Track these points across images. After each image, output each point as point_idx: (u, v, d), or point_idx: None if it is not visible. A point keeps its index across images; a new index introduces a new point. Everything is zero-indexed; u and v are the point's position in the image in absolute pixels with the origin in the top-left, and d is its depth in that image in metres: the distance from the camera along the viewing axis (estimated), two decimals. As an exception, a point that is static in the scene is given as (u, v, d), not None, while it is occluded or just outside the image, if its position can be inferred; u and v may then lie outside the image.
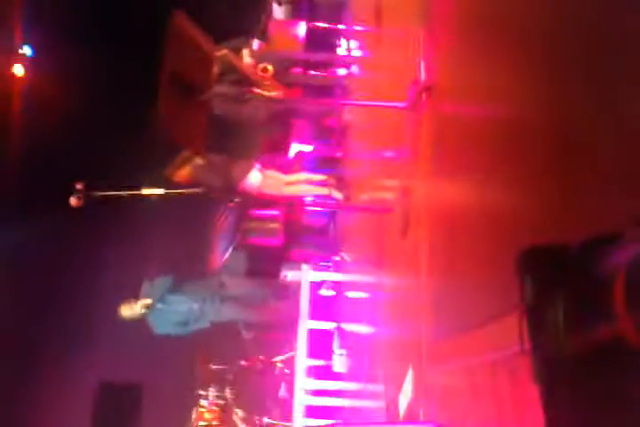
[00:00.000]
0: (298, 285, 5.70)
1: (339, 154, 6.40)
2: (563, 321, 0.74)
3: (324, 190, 5.80)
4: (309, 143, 6.79)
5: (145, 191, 3.07)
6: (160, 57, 2.59)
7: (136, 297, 5.86)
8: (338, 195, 5.82)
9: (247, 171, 5.49)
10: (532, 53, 1.58)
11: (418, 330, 2.47)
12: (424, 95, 2.67)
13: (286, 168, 6.70)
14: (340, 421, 4.53)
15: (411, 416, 2.41)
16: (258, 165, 5.63)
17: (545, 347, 0.77)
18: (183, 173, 5.31)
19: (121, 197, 3.12)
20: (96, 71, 7.80)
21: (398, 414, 2.66)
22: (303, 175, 6.14)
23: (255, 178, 5.54)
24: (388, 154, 3.66)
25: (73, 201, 3.11)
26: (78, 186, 3.04)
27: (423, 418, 2.20)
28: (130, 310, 5.85)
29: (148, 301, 5.84)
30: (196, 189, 3.19)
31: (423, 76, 2.74)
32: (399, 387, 2.72)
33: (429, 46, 2.76)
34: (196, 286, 6.04)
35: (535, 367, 0.82)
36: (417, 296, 2.57)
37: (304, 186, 5.94)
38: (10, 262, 7.78)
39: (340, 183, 5.93)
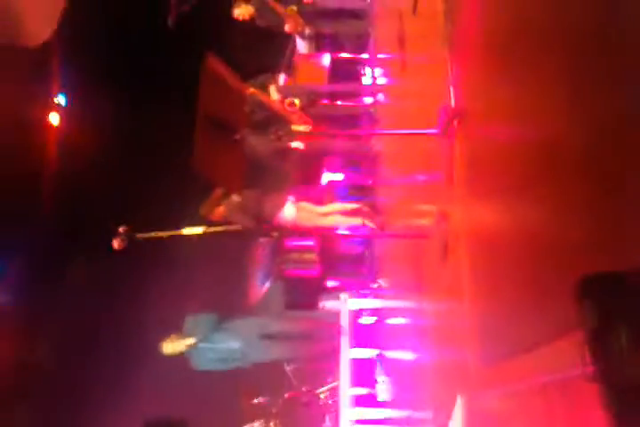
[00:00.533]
0: (337, 315, 5.70)
1: (370, 182, 6.43)
2: (627, 347, 0.74)
3: (357, 220, 5.83)
4: (340, 172, 6.84)
5: (185, 231, 3.13)
6: (193, 100, 2.66)
7: (179, 332, 5.88)
8: (371, 224, 5.84)
9: (281, 205, 5.56)
10: (559, 71, 1.60)
11: (464, 356, 2.45)
12: (455, 120, 2.69)
13: (319, 198, 6.76)
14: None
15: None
16: (291, 198, 5.69)
17: (611, 373, 0.77)
18: (218, 212, 5.44)
19: (162, 238, 3.18)
20: (129, 117, 8.02)
21: (450, 442, 2.62)
22: (336, 205, 6.18)
23: (289, 211, 5.60)
24: (422, 179, 3.68)
25: (116, 244, 3.19)
26: (121, 229, 3.11)
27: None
28: (172, 347, 5.87)
29: (192, 340, 5.84)
30: (233, 227, 3.23)
31: (453, 101, 2.77)
32: (448, 413, 2.68)
33: (457, 71, 2.79)
34: (238, 325, 6.03)
35: (604, 394, 0.82)
36: (461, 321, 2.56)
37: (338, 217, 5.98)
38: (55, 305, 7.92)
39: (373, 211, 5.96)
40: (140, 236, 3.11)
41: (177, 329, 5.99)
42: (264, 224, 5.39)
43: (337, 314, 5.73)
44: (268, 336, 5.98)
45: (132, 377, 7.36)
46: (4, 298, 7.63)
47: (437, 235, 2.97)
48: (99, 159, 7.63)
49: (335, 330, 5.59)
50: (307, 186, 6.64)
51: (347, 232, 6.83)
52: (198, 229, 3.09)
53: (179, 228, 3.08)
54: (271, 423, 5.44)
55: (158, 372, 6.46)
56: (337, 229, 6.02)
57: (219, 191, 5.73)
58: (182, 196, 6.12)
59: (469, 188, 2.54)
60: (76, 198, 7.64)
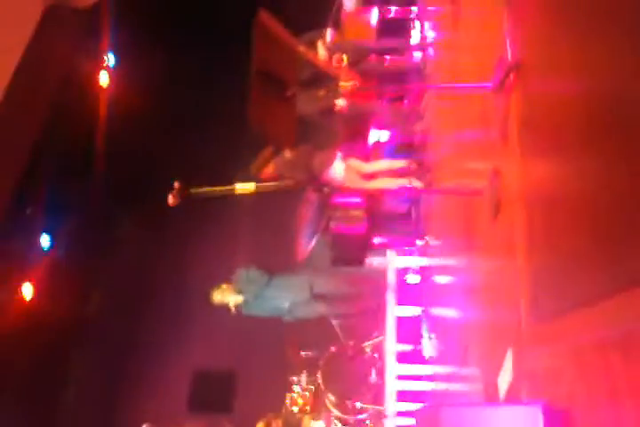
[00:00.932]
0: (383, 273, 5.74)
1: (419, 139, 6.35)
2: None
3: (404, 181, 5.81)
4: (388, 130, 6.77)
5: (238, 187, 3.16)
6: (245, 57, 2.65)
7: (229, 282, 5.98)
8: (418, 184, 5.81)
9: (330, 161, 5.55)
10: (622, 22, 1.54)
11: (516, 312, 2.45)
12: (512, 74, 2.63)
13: (366, 156, 6.73)
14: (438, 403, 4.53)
15: (512, 399, 2.40)
16: (340, 154, 5.67)
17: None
18: (268, 171, 5.50)
19: (215, 193, 3.22)
20: (179, 75, 8.07)
21: (498, 397, 2.65)
22: (384, 163, 6.15)
23: (338, 169, 5.60)
24: (474, 136, 3.62)
25: (170, 199, 3.24)
26: (176, 185, 3.16)
27: (527, 400, 2.20)
28: (221, 297, 5.97)
29: (241, 298, 5.93)
30: (284, 183, 3.25)
31: (509, 54, 2.70)
32: (497, 370, 2.71)
33: (514, 22, 2.71)
34: (287, 282, 6.11)
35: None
36: (513, 278, 2.55)
37: (385, 180, 5.99)
38: (109, 258, 8.16)
39: (422, 168, 5.91)
40: (194, 191, 3.15)
41: (227, 280, 6.09)
42: (314, 180, 5.40)
43: (383, 271, 5.77)
44: (316, 295, 6.05)
45: (183, 327, 7.59)
46: (60, 250, 7.87)
47: (490, 192, 2.95)
48: (150, 117, 7.73)
49: (381, 287, 5.64)
50: (354, 144, 6.59)
51: (396, 191, 6.81)
52: (250, 185, 3.12)
53: (231, 183, 3.12)
54: (317, 375, 5.56)
55: (208, 323, 6.62)
56: (383, 191, 6.02)
57: (268, 150, 5.76)
58: (235, 152, 6.17)
59: (525, 144, 2.50)
60: (131, 155, 7.77)
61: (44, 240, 7.74)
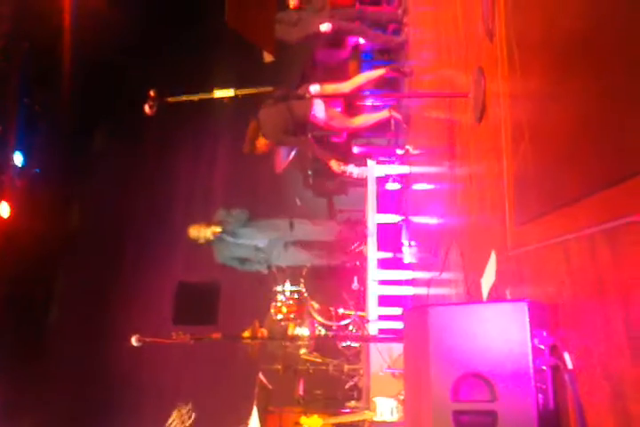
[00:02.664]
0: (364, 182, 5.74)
1: (399, 44, 6.17)
2: None
3: (384, 114, 5.77)
4: (367, 36, 6.55)
5: (217, 94, 3.05)
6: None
7: (208, 221, 5.91)
8: (398, 115, 5.76)
9: (309, 105, 5.47)
10: None
11: (500, 215, 2.46)
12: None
13: (343, 63, 6.56)
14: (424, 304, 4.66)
15: (496, 297, 2.46)
16: (316, 86, 5.52)
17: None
18: (261, 144, 5.50)
19: (193, 101, 3.11)
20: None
21: (481, 297, 2.71)
22: (363, 75, 6.01)
23: (319, 109, 5.52)
24: (457, 36, 3.51)
25: (147, 109, 3.13)
26: (151, 93, 3.04)
27: (511, 297, 2.24)
28: (197, 233, 5.91)
29: (218, 229, 5.87)
30: (268, 89, 3.15)
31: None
32: (480, 272, 2.75)
33: None
34: (268, 224, 6.05)
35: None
36: (497, 182, 2.54)
37: (366, 116, 5.95)
38: (86, 171, 8.04)
39: (402, 73, 5.78)
40: (171, 99, 3.04)
41: (206, 212, 6.02)
42: (304, 128, 5.40)
43: (364, 180, 5.77)
44: (295, 242, 5.99)
45: (165, 240, 7.61)
46: (34, 168, 7.74)
47: (474, 94, 2.89)
48: (122, 24, 7.39)
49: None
50: (331, 50, 6.40)
51: (372, 100, 6.70)
52: (230, 92, 3.01)
53: (210, 91, 3.01)
54: (301, 284, 5.66)
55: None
56: (367, 127, 5.97)
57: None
58: (212, 58, 5.97)
59: (512, 40, 2.41)
60: (104, 63, 7.48)
61: (17, 158, 7.59)
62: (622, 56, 1.47)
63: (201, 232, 5.88)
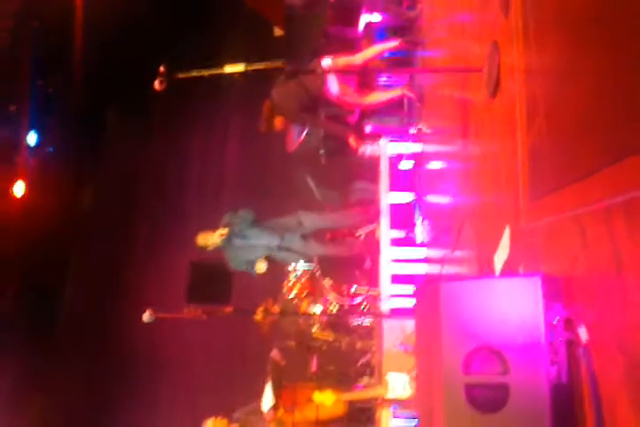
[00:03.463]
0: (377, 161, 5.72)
1: (413, 20, 6.10)
2: None
3: (397, 92, 5.71)
4: (379, 12, 6.49)
5: (227, 69, 3.03)
6: None
7: (215, 228, 5.85)
8: (411, 94, 5.71)
9: (323, 80, 5.41)
10: None
11: (514, 192, 2.45)
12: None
13: (356, 42, 6.49)
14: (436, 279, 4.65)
15: (509, 273, 2.45)
16: (328, 60, 5.44)
17: None
18: (278, 122, 5.43)
19: (203, 77, 3.09)
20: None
21: (494, 274, 2.70)
22: (375, 48, 5.94)
23: (333, 83, 5.45)
24: (472, 10, 3.46)
25: (157, 85, 3.11)
26: (161, 69, 3.02)
27: (524, 272, 2.24)
28: (205, 240, 5.85)
29: (225, 231, 5.81)
30: (278, 63, 3.11)
31: None
32: (493, 249, 2.75)
33: None
34: (276, 223, 6.00)
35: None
36: (511, 158, 2.52)
37: (379, 93, 5.89)
38: (99, 151, 8.06)
39: (413, 45, 5.72)
40: (180, 75, 3.02)
41: (215, 220, 5.96)
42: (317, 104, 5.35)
43: (376, 159, 5.75)
44: (307, 235, 5.95)
45: (180, 217, 7.63)
46: (48, 146, 7.77)
47: (488, 68, 2.85)
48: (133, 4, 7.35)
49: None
50: (344, 28, 6.34)
51: (385, 78, 6.64)
52: (240, 67, 2.99)
53: (221, 66, 2.99)
54: (314, 262, 5.66)
55: (204, 214, 6.57)
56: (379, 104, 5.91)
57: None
58: (222, 33, 5.93)
59: (527, 14, 2.38)
60: (115, 41, 7.46)
61: (31, 138, 7.63)
62: (637, 30, 1.45)
63: (208, 239, 5.82)
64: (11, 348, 7.09)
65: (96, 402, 7.40)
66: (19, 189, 7.23)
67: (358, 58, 5.74)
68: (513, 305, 1.81)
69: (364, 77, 5.92)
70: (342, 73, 5.53)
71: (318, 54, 5.59)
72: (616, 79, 1.56)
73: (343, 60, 5.58)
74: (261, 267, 5.71)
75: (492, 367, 1.76)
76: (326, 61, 5.41)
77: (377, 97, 5.87)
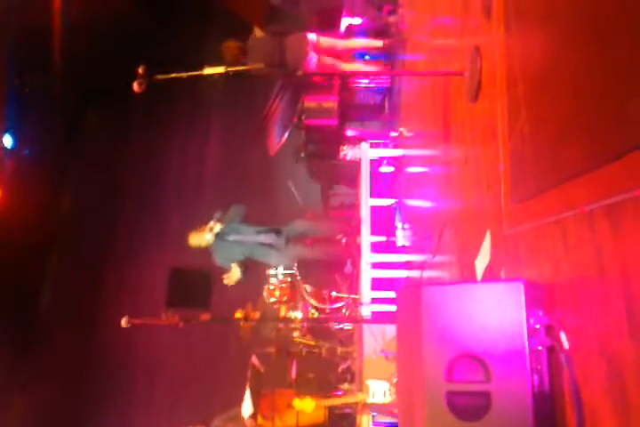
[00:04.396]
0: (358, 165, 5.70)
1: (393, 23, 6.11)
2: None
3: (377, 43, 5.68)
4: (359, 16, 6.48)
5: (207, 71, 2.99)
6: None
7: (200, 228, 5.79)
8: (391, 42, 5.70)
9: (303, 48, 5.31)
10: None
11: (495, 196, 2.43)
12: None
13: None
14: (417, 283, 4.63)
15: (490, 278, 2.43)
16: (312, 35, 5.41)
17: None
18: (234, 54, 5.26)
19: (182, 78, 3.05)
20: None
21: (475, 278, 2.68)
22: (359, 42, 5.93)
23: (313, 59, 5.39)
24: (454, 14, 3.45)
25: (135, 86, 3.06)
26: (140, 71, 2.98)
27: (505, 278, 2.21)
28: (198, 240, 5.79)
29: (217, 225, 5.75)
30: (258, 66, 3.08)
31: None
32: (474, 253, 2.73)
33: None
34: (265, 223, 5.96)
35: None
36: (493, 163, 2.51)
37: (358, 64, 5.82)
38: (76, 155, 7.96)
39: (396, 51, 5.73)
40: (159, 77, 2.98)
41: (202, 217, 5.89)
42: (287, 68, 5.18)
43: (357, 163, 5.73)
44: (291, 240, 5.90)
45: (159, 224, 7.56)
46: (24, 150, 7.66)
47: (470, 72, 2.84)
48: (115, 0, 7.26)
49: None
50: (325, 30, 6.32)
51: (366, 81, 6.64)
52: (219, 69, 2.95)
53: (201, 68, 2.94)
54: (294, 267, 5.62)
55: (184, 220, 6.53)
56: (357, 72, 5.84)
57: (236, 44, 5.47)
58: (201, 35, 5.87)
59: (510, 18, 2.37)
60: (92, 42, 7.37)
61: (7, 140, 7.51)
62: (624, 28, 1.43)
63: (201, 237, 5.76)
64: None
65: (71, 406, 7.29)
66: (-7, 193, 7.12)
67: (341, 44, 5.71)
68: (495, 311, 1.78)
69: (344, 78, 5.89)
70: (323, 54, 5.44)
71: (305, 28, 5.50)
72: (600, 81, 1.55)
73: (327, 42, 5.53)
74: (235, 273, 5.64)
75: (474, 375, 1.73)
76: (312, 36, 5.37)
77: (357, 66, 5.80)
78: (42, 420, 7.38)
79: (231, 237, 5.76)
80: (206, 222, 5.79)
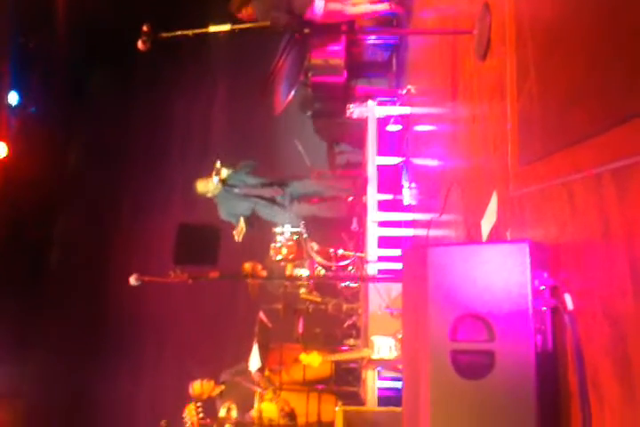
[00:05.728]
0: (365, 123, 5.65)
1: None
2: None
3: (385, 6, 5.57)
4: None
5: (212, 29, 2.95)
6: None
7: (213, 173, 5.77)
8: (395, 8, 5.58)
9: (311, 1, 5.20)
10: None
11: (503, 156, 2.42)
12: None
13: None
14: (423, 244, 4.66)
15: (496, 239, 2.44)
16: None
17: None
18: (247, 11, 5.14)
19: (188, 36, 3.00)
20: None
21: (481, 239, 2.70)
22: (368, 7, 5.81)
23: (319, 4, 5.26)
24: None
25: (140, 44, 3.02)
26: (144, 28, 2.93)
27: (511, 239, 2.23)
28: (205, 186, 5.78)
29: (225, 172, 5.73)
30: (263, 23, 3.02)
31: None
32: (480, 213, 2.74)
33: None
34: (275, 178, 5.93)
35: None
36: (501, 122, 2.49)
37: (367, 6, 5.70)
38: (81, 111, 7.90)
39: (404, 11, 5.62)
40: (164, 34, 2.94)
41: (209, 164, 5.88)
42: (295, 19, 5.07)
43: (364, 121, 5.69)
44: (296, 198, 5.88)
45: (166, 179, 7.55)
46: (30, 107, 7.62)
47: (479, 30, 2.79)
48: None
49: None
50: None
51: (374, 37, 6.53)
52: (226, 26, 2.91)
53: (206, 26, 2.90)
54: (301, 225, 5.64)
55: (191, 174, 6.47)
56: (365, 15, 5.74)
57: None
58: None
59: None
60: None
61: (13, 98, 7.46)
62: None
63: (209, 184, 5.77)
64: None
65: (81, 365, 7.44)
66: (1, 150, 7.11)
67: (349, 9, 5.60)
68: (500, 272, 1.80)
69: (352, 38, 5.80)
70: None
71: None
72: (611, 42, 1.52)
73: (336, 6, 5.43)
74: (242, 226, 5.68)
75: (479, 334, 1.76)
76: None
77: (364, 9, 5.71)
78: (51, 378, 7.56)
79: (237, 190, 5.78)
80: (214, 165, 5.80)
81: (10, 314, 7.08)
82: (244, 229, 5.71)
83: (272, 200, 5.84)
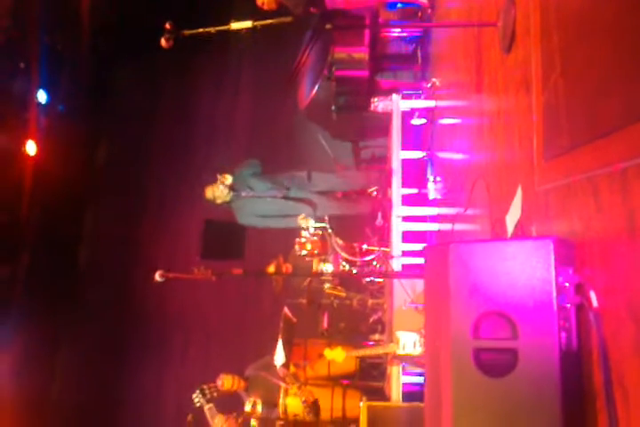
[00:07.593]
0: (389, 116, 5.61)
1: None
2: None
3: None
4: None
5: (234, 26, 2.95)
6: None
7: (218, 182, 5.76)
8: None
9: None
10: None
11: (528, 150, 2.38)
12: None
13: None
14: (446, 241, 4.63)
15: (521, 234, 2.41)
16: None
17: None
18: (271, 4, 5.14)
19: (210, 33, 3.00)
20: None
21: (505, 235, 2.66)
22: None
23: None
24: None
25: (163, 42, 3.03)
26: (167, 26, 2.94)
27: (536, 235, 2.19)
28: (212, 193, 5.77)
29: (229, 177, 5.72)
30: (285, 19, 3.02)
31: None
32: (505, 208, 2.70)
33: None
34: (283, 176, 5.90)
35: None
36: (526, 116, 2.45)
37: None
38: (108, 108, 7.97)
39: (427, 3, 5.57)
40: (187, 32, 2.94)
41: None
42: (316, 10, 5.04)
43: (388, 115, 5.65)
44: (315, 192, 5.85)
45: (193, 176, 7.59)
46: (58, 105, 7.71)
47: (504, 22, 2.75)
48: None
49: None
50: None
51: (399, 30, 6.48)
52: (247, 23, 2.91)
53: (228, 23, 2.90)
54: (325, 220, 5.63)
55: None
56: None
57: None
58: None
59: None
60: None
61: (41, 96, 7.56)
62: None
63: (215, 190, 5.78)
64: (29, 307, 7.18)
65: (107, 361, 7.53)
66: (30, 148, 7.21)
67: None
68: (524, 269, 1.77)
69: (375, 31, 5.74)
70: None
71: None
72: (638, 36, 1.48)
73: None
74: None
75: (501, 332, 1.74)
76: None
77: None
78: (78, 374, 7.66)
79: (244, 193, 5.78)
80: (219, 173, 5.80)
81: (41, 310, 7.18)
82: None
83: (284, 198, 5.85)
